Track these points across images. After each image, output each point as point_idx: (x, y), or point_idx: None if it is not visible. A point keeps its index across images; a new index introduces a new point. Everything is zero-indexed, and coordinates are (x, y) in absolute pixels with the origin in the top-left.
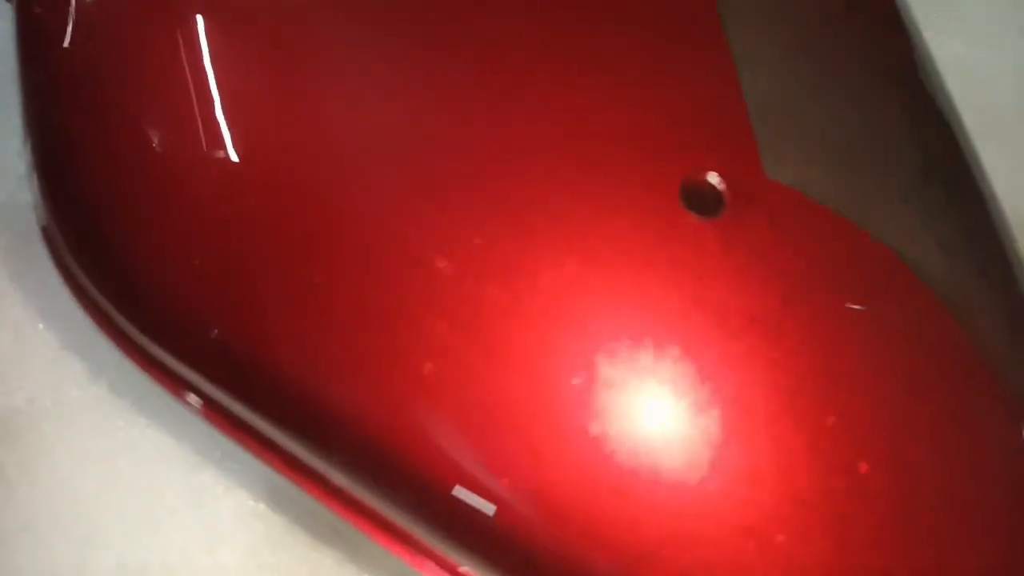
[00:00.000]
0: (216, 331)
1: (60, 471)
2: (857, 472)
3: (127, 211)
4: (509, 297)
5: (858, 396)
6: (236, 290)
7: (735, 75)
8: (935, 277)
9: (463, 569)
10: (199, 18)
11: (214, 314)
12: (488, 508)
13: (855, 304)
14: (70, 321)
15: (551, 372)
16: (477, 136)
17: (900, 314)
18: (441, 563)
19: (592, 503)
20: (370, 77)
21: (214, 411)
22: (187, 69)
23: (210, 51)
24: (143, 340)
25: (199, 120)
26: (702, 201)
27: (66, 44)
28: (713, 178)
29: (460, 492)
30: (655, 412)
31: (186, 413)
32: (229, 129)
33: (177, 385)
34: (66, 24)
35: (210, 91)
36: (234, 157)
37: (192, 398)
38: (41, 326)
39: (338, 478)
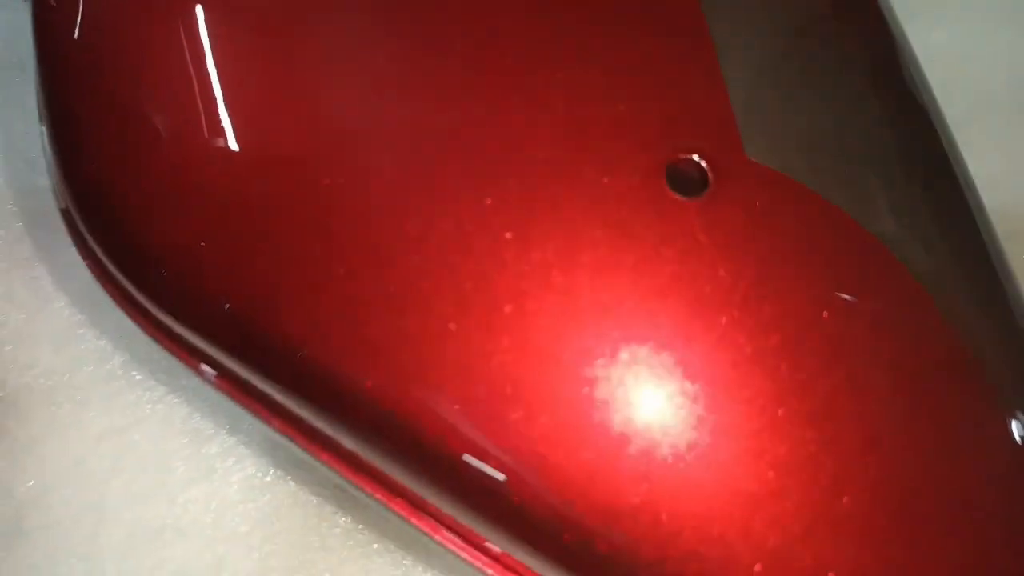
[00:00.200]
0: (229, 303)
1: (73, 444)
2: (836, 454)
3: (144, 190)
4: (507, 271)
5: (836, 372)
6: (249, 263)
7: (716, 63)
8: (915, 261)
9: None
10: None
11: (227, 287)
12: (499, 475)
13: (844, 294)
14: (82, 301)
15: (549, 342)
16: (470, 123)
17: (877, 294)
18: (453, 528)
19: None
20: (371, 66)
21: (226, 380)
22: (198, 52)
23: (219, 35)
24: (161, 315)
25: (212, 102)
26: (686, 182)
27: (80, 31)
28: (695, 160)
29: (471, 458)
30: (647, 386)
31: (196, 389)
32: (241, 110)
33: (192, 357)
34: (80, 12)
35: (220, 74)
36: (246, 137)
37: (206, 369)
38: (54, 306)
39: (349, 443)
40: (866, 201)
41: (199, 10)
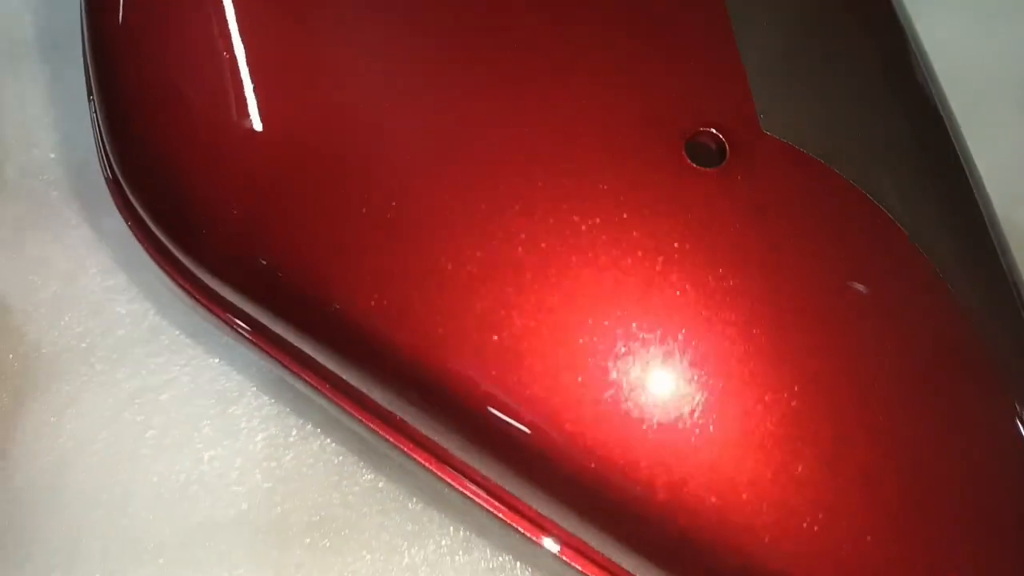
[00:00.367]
0: (266, 260)
1: (108, 402)
2: (838, 420)
3: (187, 157)
4: (537, 234)
5: (843, 340)
6: (285, 222)
7: (734, 41)
8: (922, 235)
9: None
10: None
11: (264, 245)
12: (524, 428)
13: (853, 268)
14: (114, 269)
15: (570, 301)
16: (497, 97)
17: (885, 266)
18: (480, 483)
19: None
20: (399, 39)
21: (260, 336)
22: (240, 26)
23: (262, 8)
24: (201, 273)
25: (253, 72)
26: (705, 154)
27: (127, 5)
28: (714, 134)
29: (496, 411)
30: (660, 343)
31: (223, 353)
32: (279, 80)
33: (229, 313)
34: None
35: (261, 46)
36: (284, 104)
37: (242, 326)
38: (88, 273)
39: (378, 396)
40: (877, 176)
41: None
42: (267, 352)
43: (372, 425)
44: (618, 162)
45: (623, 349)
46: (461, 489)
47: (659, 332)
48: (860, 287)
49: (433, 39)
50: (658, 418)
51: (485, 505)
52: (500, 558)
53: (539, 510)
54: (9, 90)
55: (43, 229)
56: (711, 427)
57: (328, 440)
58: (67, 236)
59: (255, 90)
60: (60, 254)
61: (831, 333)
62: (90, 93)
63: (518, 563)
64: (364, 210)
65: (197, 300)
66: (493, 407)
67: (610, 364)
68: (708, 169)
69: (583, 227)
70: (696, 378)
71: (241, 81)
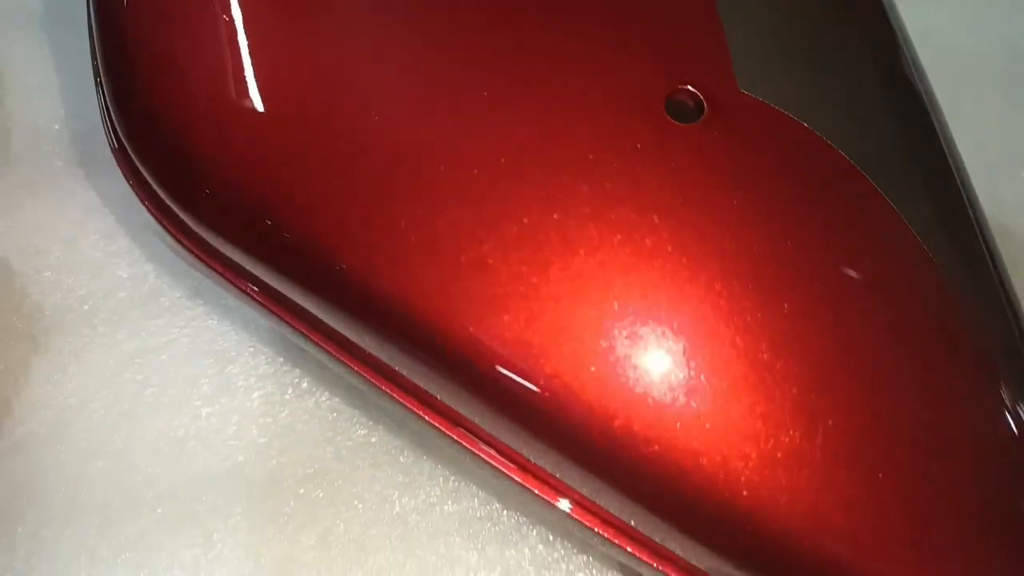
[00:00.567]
0: (268, 217)
1: (107, 362)
2: (809, 376)
3: (191, 122)
4: (527, 187)
5: (816, 294)
6: (287, 179)
7: (714, 2)
8: (889, 188)
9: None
10: None
11: (266, 203)
12: (532, 385)
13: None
14: (115, 234)
15: (560, 252)
16: (485, 58)
17: (858, 223)
18: (470, 428)
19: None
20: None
21: (263, 294)
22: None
23: None
24: (210, 237)
25: (253, 36)
26: (683, 110)
27: None
28: (691, 91)
29: (503, 369)
30: (641, 290)
31: (221, 315)
32: (280, 43)
33: (231, 272)
34: None
35: (261, 10)
36: (284, 67)
37: (243, 283)
38: (90, 238)
39: (381, 354)
40: (853, 137)
41: None
42: (267, 307)
43: (369, 376)
44: (601, 115)
45: (599, 297)
46: (451, 435)
47: (636, 278)
48: (833, 239)
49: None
50: (633, 365)
51: (473, 450)
52: (488, 507)
53: (528, 456)
54: (15, 61)
55: (47, 196)
56: (684, 377)
57: (322, 398)
58: (70, 203)
59: (257, 53)
60: (63, 220)
61: (804, 287)
62: (95, 58)
63: (505, 511)
64: (362, 168)
65: (201, 259)
66: (484, 356)
67: (587, 312)
68: (686, 125)
69: (567, 180)
70: (668, 329)
71: (243, 45)
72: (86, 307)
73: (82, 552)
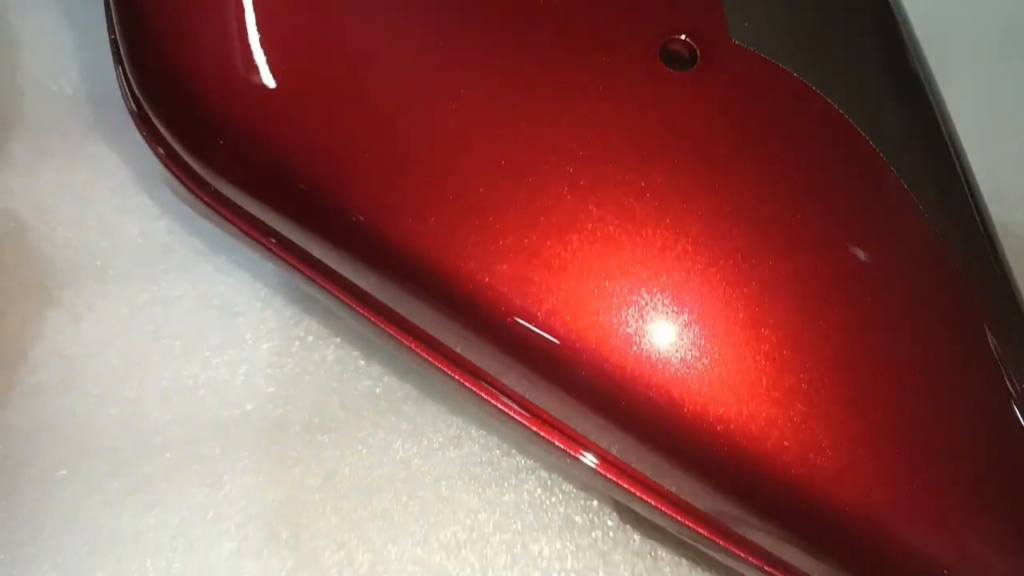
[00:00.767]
0: (285, 167)
1: (119, 314)
2: (795, 320)
3: (207, 77)
4: (532, 137)
5: (804, 238)
6: (300, 130)
7: None
8: (887, 148)
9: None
10: None
11: (281, 153)
12: (551, 338)
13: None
14: (126, 192)
15: (559, 200)
16: (491, 13)
17: (839, 161)
18: (471, 369)
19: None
20: None
21: (280, 246)
22: None
23: None
24: (221, 185)
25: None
26: (677, 59)
27: None
28: (685, 41)
29: (520, 320)
30: (629, 232)
31: (230, 269)
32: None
33: (248, 224)
34: None
35: None
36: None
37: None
38: (102, 196)
39: (390, 299)
40: (842, 87)
41: None
42: (277, 254)
43: (376, 320)
44: (599, 61)
45: (595, 237)
46: (455, 375)
47: (629, 218)
48: (822, 183)
49: None
50: (629, 306)
51: (474, 388)
52: (488, 454)
53: (529, 398)
54: (30, 27)
55: (60, 157)
56: (674, 323)
57: (328, 351)
58: (82, 164)
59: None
60: (76, 180)
61: (792, 231)
62: (109, 18)
63: (504, 458)
64: (371, 115)
65: (214, 210)
66: (490, 299)
67: (585, 253)
68: (680, 73)
69: (568, 127)
70: (660, 273)
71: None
72: (98, 262)
73: (94, 492)
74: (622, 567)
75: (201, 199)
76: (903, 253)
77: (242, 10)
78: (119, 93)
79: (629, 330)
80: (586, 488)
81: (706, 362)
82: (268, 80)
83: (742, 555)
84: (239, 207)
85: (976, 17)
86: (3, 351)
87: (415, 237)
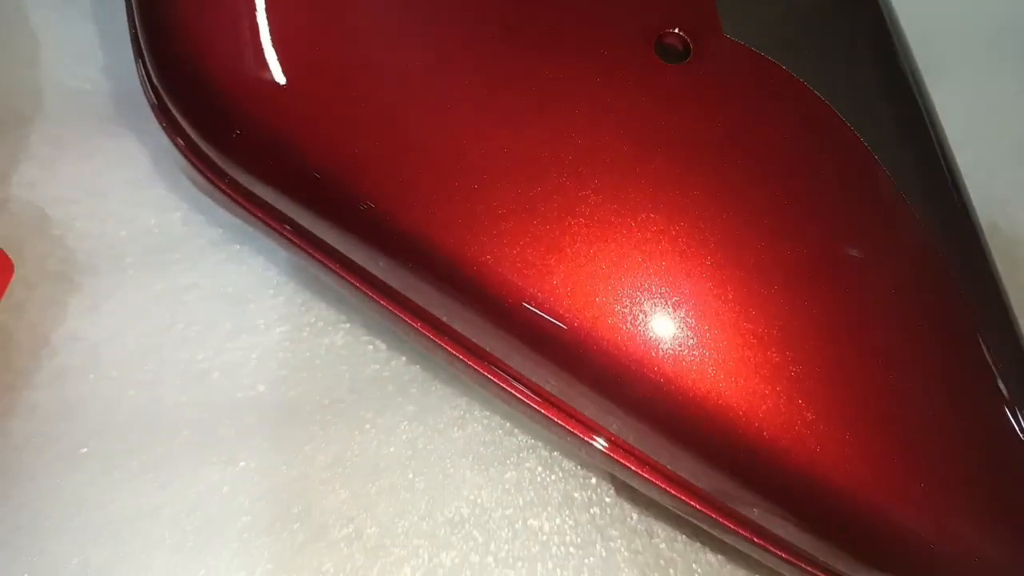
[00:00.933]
0: (303, 159)
1: (136, 301)
2: (786, 307)
3: (226, 71)
4: (536, 127)
5: (794, 229)
6: (317, 121)
7: None
8: (876, 143)
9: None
10: None
11: (299, 146)
12: (560, 324)
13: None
14: (142, 183)
15: (556, 186)
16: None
17: (833, 161)
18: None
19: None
20: None
21: (295, 233)
22: None
23: None
24: (243, 178)
25: None
26: (670, 51)
27: None
28: (678, 34)
29: (531, 306)
30: (624, 222)
31: (243, 259)
32: None
33: (265, 213)
34: None
35: None
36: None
37: (284, 228)
38: (117, 188)
39: (402, 285)
40: (832, 81)
41: None
42: (291, 240)
43: (388, 305)
44: (594, 53)
45: (590, 225)
46: (460, 356)
47: (624, 206)
48: (809, 174)
49: None
50: (629, 288)
51: (478, 368)
52: (492, 434)
53: (531, 378)
54: (49, 24)
55: (79, 150)
56: (664, 309)
57: (337, 337)
58: (101, 157)
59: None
60: (94, 172)
61: (782, 221)
62: (129, 9)
63: (507, 438)
64: (384, 105)
65: (233, 199)
66: (497, 283)
67: (584, 237)
68: (673, 65)
69: (565, 117)
70: (653, 258)
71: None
72: (116, 252)
73: (115, 469)
74: (619, 541)
75: (219, 188)
76: (892, 246)
77: (260, 4)
78: (136, 89)
79: (624, 310)
80: (585, 466)
81: (697, 341)
82: (283, 73)
83: (735, 529)
84: (255, 195)
85: (966, 17)
86: (26, 336)
87: (423, 222)
